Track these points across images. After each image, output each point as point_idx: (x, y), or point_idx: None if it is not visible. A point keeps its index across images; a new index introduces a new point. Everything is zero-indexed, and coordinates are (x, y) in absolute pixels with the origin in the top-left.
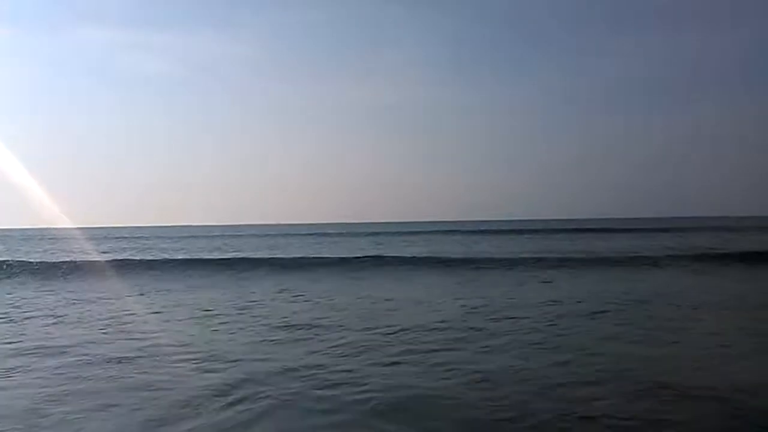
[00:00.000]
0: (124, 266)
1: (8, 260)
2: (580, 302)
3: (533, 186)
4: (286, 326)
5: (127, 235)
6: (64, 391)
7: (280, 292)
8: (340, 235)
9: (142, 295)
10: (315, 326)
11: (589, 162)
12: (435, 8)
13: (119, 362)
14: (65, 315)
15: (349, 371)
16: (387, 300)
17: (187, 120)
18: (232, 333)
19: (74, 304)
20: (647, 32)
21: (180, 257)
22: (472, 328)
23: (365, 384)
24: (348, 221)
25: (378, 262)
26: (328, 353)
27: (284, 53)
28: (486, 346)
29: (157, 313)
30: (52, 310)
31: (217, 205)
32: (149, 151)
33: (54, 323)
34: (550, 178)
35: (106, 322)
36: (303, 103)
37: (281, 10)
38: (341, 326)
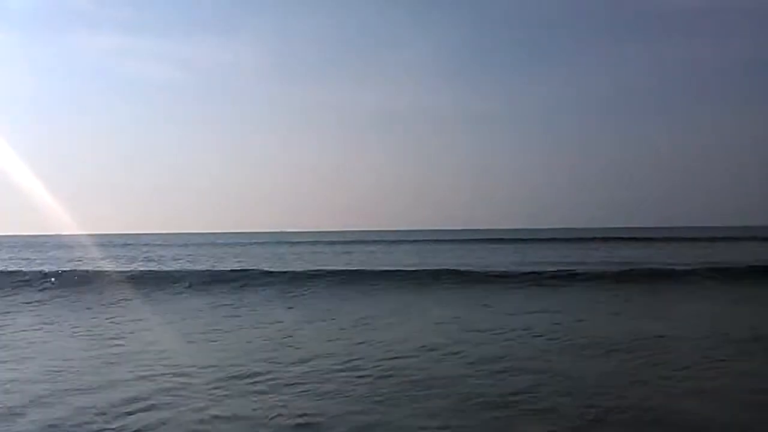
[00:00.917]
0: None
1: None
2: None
3: (537, 192)
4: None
5: (131, 242)
6: None
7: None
8: (347, 243)
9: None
10: None
11: (592, 169)
12: (438, 13)
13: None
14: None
15: None
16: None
17: (191, 125)
18: None
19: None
20: (652, 39)
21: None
22: None
23: None
24: (353, 229)
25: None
26: None
27: (288, 58)
28: None
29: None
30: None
31: (221, 212)
32: (153, 157)
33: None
34: (553, 184)
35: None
36: (307, 107)
37: (285, 15)
38: None
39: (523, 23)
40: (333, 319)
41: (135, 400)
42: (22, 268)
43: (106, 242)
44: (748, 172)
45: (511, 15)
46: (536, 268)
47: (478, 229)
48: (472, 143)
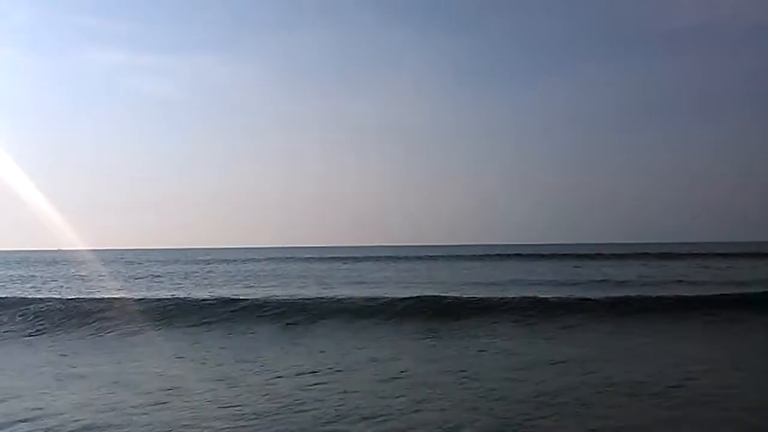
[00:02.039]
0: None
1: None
2: None
3: (537, 207)
4: None
5: (133, 259)
6: None
7: None
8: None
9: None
10: None
11: (593, 183)
12: (439, 27)
13: None
14: None
15: None
16: None
17: (193, 140)
18: None
19: None
20: (652, 54)
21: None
22: None
23: None
24: (355, 244)
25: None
26: None
27: (290, 73)
28: None
29: None
30: None
31: (221, 226)
32: (156, 172)
33: None
34: (554, 197)
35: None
36: (310, 123)
37: (287, 31)
38: None
39: (523, 37)
40: None
41: None
42: None
43: (82, 258)
44: (749, 186)
45: (513, 28)
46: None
47: (481, 245)
48: (472, 155)
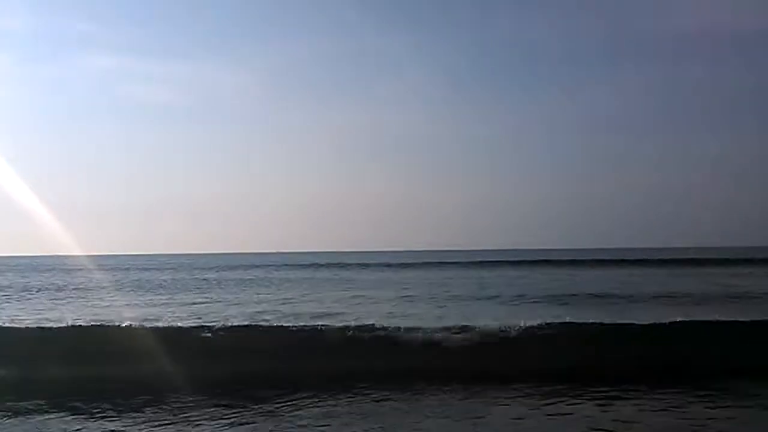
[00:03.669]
0: None
1: None
2: None
3: (535, 214)
4: None
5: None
6: None
7: None
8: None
9: None
10: None
11: (590, 190)
12: (438, 36)
13: None
14: None
15: None
16: None
17: (192, 148)
18: None
19: None
20: (652, 60)
21: None
22: None
23: None
24: (351, 250)
25: None
26: None
27: (289, 82)
28: None
29: None
30: None
31: (220, 233)
32: (153, 180)
33: None
34: (552, 205)
35: None
36: (307, 131)
37: (285, 39)
38: None
39: (523, 46)
40: None
41: None
42: None
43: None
44: (745, 193)
45: (512, 38)
46: None
47: (479, 251)
48: (472, 166)
